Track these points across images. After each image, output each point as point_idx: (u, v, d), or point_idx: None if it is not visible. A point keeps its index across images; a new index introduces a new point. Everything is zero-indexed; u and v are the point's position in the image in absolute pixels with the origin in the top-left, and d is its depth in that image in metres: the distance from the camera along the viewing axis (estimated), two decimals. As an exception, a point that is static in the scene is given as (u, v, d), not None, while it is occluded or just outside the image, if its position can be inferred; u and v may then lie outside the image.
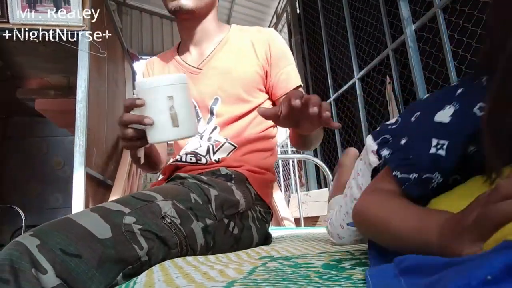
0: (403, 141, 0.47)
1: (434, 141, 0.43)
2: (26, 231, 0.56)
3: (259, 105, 0.96)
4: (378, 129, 0.60)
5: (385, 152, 0.49)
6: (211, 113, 0.95)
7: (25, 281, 0.47)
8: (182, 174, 0.81)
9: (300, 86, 0.99)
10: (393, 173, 0.46)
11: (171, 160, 0.98)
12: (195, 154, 0.91)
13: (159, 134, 0.67)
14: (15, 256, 0.49)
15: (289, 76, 0.97)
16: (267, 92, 1.00)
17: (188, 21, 0.97)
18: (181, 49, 1.06)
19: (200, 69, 0.98)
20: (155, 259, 0.59)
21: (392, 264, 0.35)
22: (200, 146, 0.92)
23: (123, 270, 0.55)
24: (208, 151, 0.91)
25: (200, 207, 0.70)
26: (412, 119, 0.48)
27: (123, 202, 0.63)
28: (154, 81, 0.67)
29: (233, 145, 0.92)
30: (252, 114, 0.97)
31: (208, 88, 0.96)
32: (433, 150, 0.42)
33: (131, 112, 0.69)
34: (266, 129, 0.98)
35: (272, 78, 0.98)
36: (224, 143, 0.92)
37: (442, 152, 0.42)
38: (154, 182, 0.97)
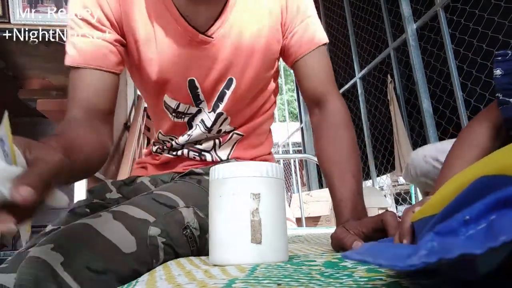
0: None
1: None
2: (39, 238, 0.55)
3: (271, 78, 0.81)
4: None
5: (497, 72, 0.53)
6: (220, 98, 0.76)
7: None
8: (197, 170, 0.76)
9: (325, 44, 0.77)
10: (496, 94, 0.52)
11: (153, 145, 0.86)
12: (199, 152, 0.82)
13: (227, 252, 0.43)
14: (40, 278, 0.45)
15: (308, 29, 0.75)
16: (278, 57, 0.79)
17: None
18: None
19: (211, 37, 0.71)
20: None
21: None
22: (206, 141, 0.81)
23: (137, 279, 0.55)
24: (214, 146, 0.82)
25: None
26: None
27: (146, 207, 0.60)
28: (233, 168, 0.43)
29: (240, 135, 0.82)
30: (265, 93, 0.82)
31: (220, 65, 0.73)
32: None
33: None
34: (270, 107, 0.86)
35: (287, 35, 0.76)
36: (232, 135, 0.81)
37: None
38: (140, 160, 0.91)
